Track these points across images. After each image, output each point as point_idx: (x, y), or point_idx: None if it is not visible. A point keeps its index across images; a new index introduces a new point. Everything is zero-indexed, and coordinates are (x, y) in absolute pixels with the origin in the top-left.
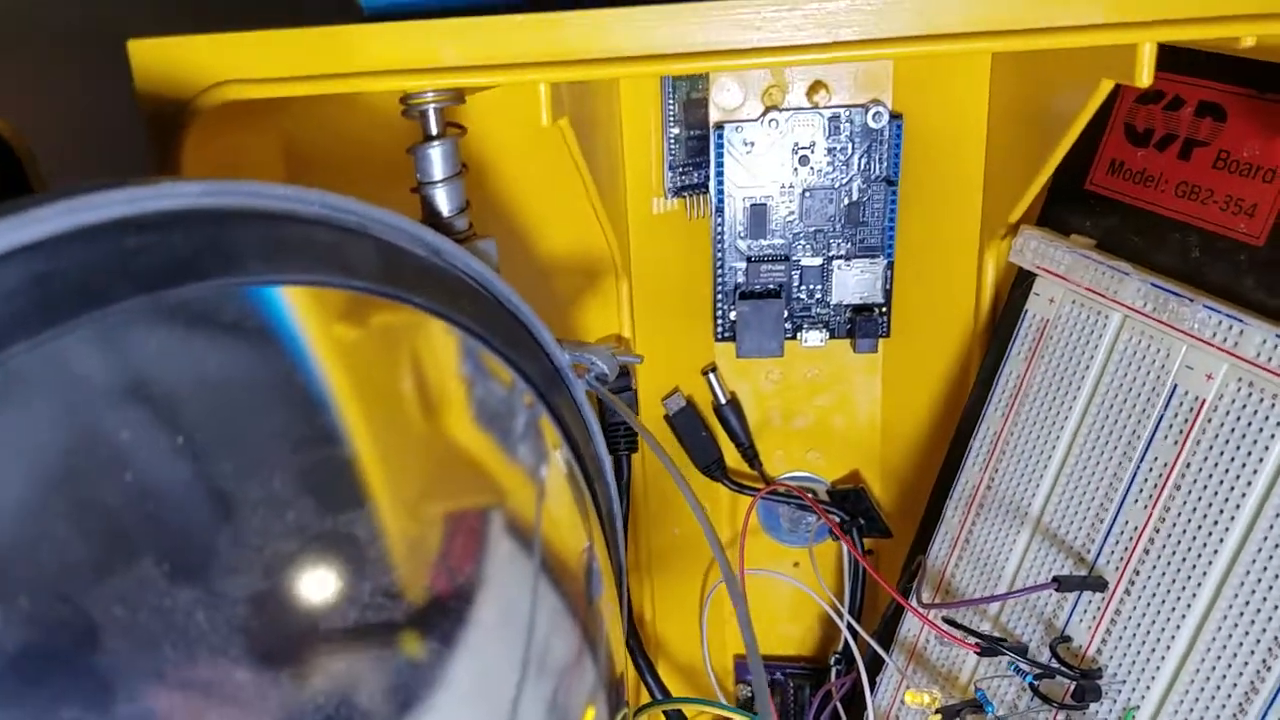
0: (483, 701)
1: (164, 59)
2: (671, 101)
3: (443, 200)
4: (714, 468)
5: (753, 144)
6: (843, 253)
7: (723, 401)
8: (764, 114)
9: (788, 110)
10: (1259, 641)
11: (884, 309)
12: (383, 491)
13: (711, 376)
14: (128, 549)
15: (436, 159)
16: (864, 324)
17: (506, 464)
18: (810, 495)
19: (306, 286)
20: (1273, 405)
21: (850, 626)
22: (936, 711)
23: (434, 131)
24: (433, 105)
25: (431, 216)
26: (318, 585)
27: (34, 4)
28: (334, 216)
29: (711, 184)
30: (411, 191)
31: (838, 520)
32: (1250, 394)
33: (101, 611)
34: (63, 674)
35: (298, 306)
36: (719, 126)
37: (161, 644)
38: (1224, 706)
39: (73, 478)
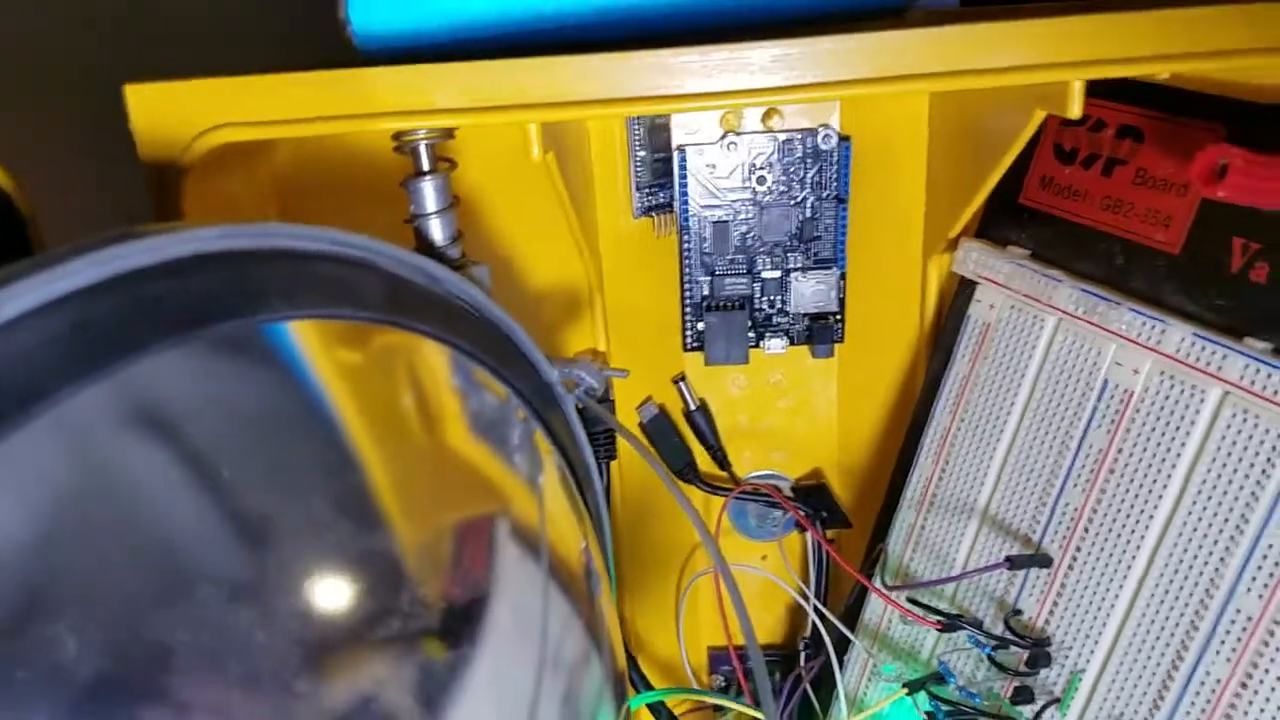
0: (504, 700)
1: (162, 103)
2: (637, 127)
3: (437, 231)
4: (687, 471)
5: (714, 165)
6: (799, 265)
7: (693, 408)
8: (723, 137)
9: (745, 134)
10: (1187, 605)
11: (838, 317)
12: (399, 510)
13: (682, 385)
14: (183, 577)
15: (429, 192)
16: (820, 331)
17: (507, 473)
18: (778, 491)
19: (322, 320)
20: (1192, 394)
21: (818, 610)
22: (904, 685)
23: (426, 166)
24: (424, 142)
25: (426, 246)
26: (352, 601)
27: (28, 48)
28: (342, 252)
29: (676, 203)
30: (405, 223)
31: (804, 513)
32: (1173, 385)
33: (165, 634)
34: (134, 697)
35: (311, 339)
36: (681, 149)
37: (225, 662)
38: (1159, 664)
39: (122, 512)
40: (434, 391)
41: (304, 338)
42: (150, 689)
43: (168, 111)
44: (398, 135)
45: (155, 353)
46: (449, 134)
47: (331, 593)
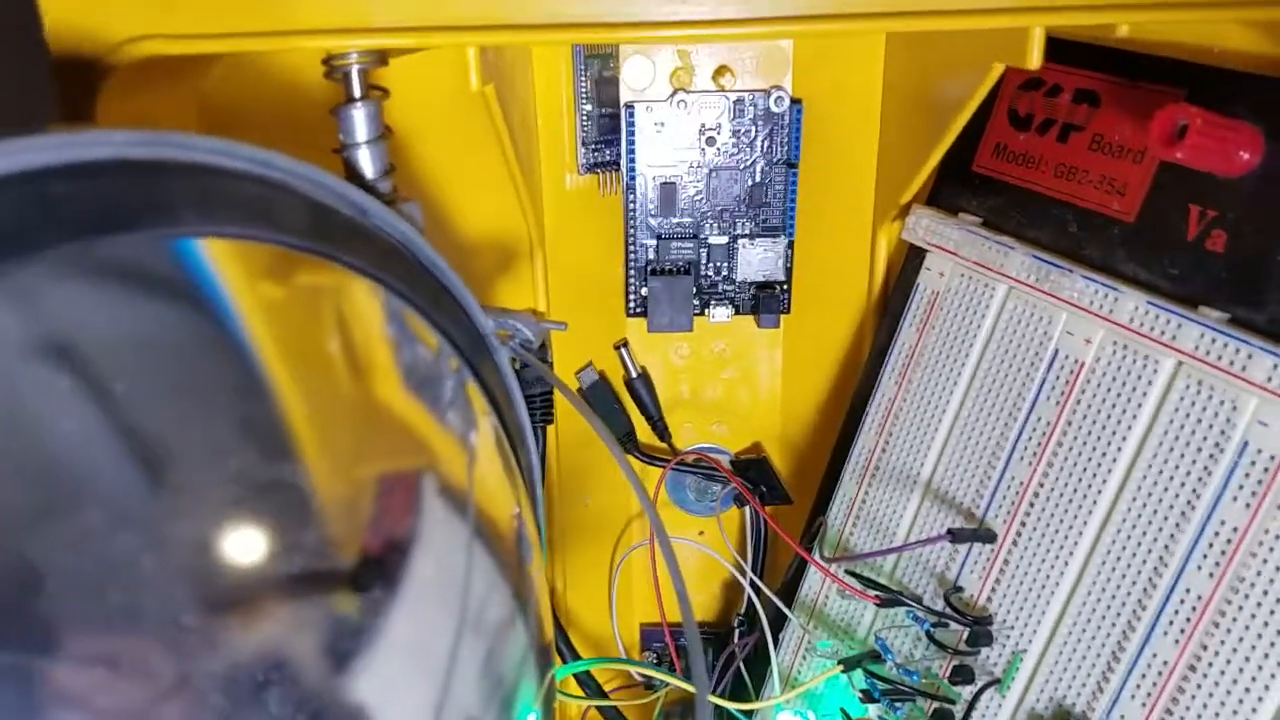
0: (419, 658)
1: (80, 10)
2: (584, 79)
3: (367, 162)
4: (626, 441)
5: (662, 124)
6: (747, 232)
7: (634, 375)
8: (672, 95)
9: (695, 93)
10: (1134, 585)
11: (785, 286)
12: (313, 445)
13: (623, 351)
14: (64, 498)
15: (360, 120)
16: (767, 301)
17: (435, 426)
18: (719, 462)
19: (237, 240)
20: (1144, 365)
21: (754, 586)
22: (839, 662)
23: (357, 93)
24: (356, 66)
25: (355, 179)
26: (252, 535)
27: None
28: (262, 171)
29: (623, 161)
30: (334, 152)
31: (746, 486)
32: (1125, 356)
33: (41, 558)
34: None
35: (227, 260)
36: (629, 106)
37: (102, 591)
38: (1104, 646)
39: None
40: (360, 333)
41: (219, 258)
42: (18, 614)
43: (87, 16)
44: (329, 59)
45: (53, 256)
46: (383, 59)
47: (229, 524)
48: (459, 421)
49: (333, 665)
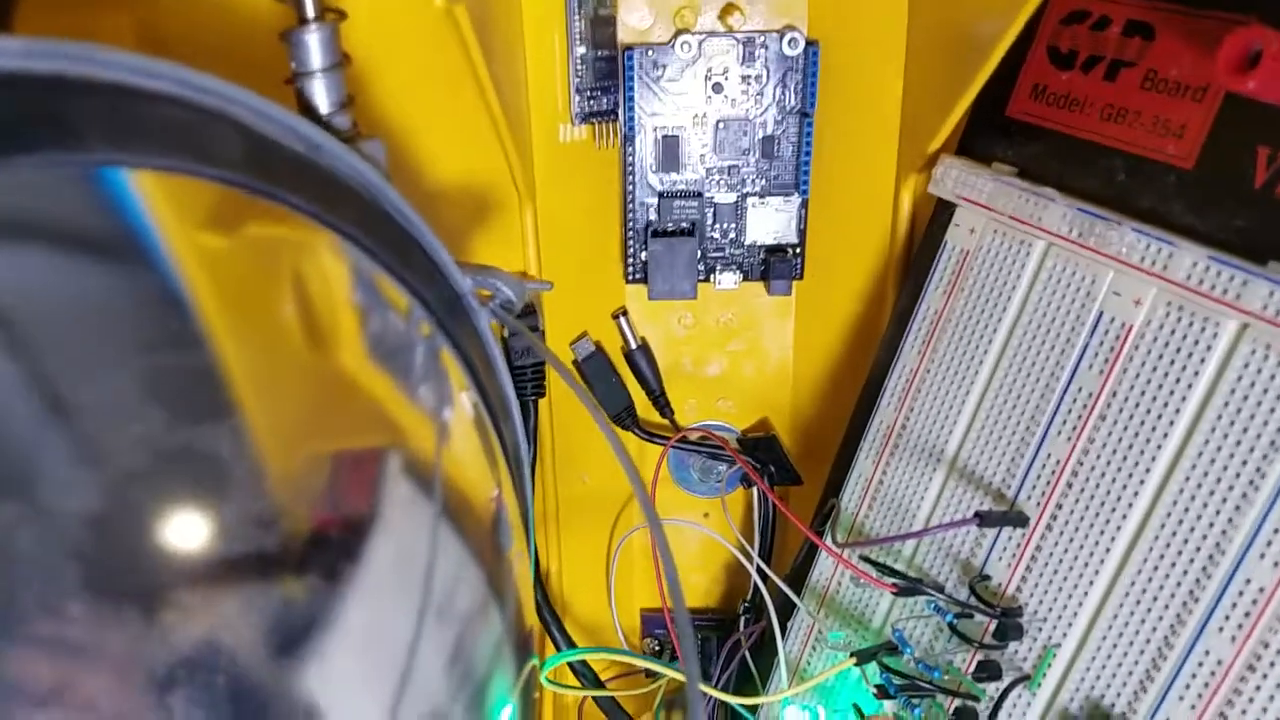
0: (375, 647)
1: None
2: (578, 18)
3: (321, 93)
4: (624, 416)
5: (664, 69)
6: (757, 189)
7: (633, 347)
8: (675, 37)
9: (700, 34)
10: (1184, 575)
11: (798, 249)
12: (250, 408)
13: (622, 320)
14: None
15: (314, 45)
16: (778, 265)
17: (401, 397)
18: (725, 440)
19: (156, 171)
20: (1203, 329)
21: (760, 571)
22: (852, 655)
23: (311, 14)
24: None
25: (308, 112)
26: (171, 506)
27: None
28: (191, 95)
29: (621, 111)
30: (285, 83)
31: (753, 465)
32: (1180, 318)
33: None
34: None
35: (147, 194)
36: (628, 49)
37: None
38: (1148, 641)
39: None
40: (314, 288)
41: (136, 191)
42: None
43: None
44: None
45: None
46: None
47: (135, 493)
48: (430, 393)
49: (275, 654)
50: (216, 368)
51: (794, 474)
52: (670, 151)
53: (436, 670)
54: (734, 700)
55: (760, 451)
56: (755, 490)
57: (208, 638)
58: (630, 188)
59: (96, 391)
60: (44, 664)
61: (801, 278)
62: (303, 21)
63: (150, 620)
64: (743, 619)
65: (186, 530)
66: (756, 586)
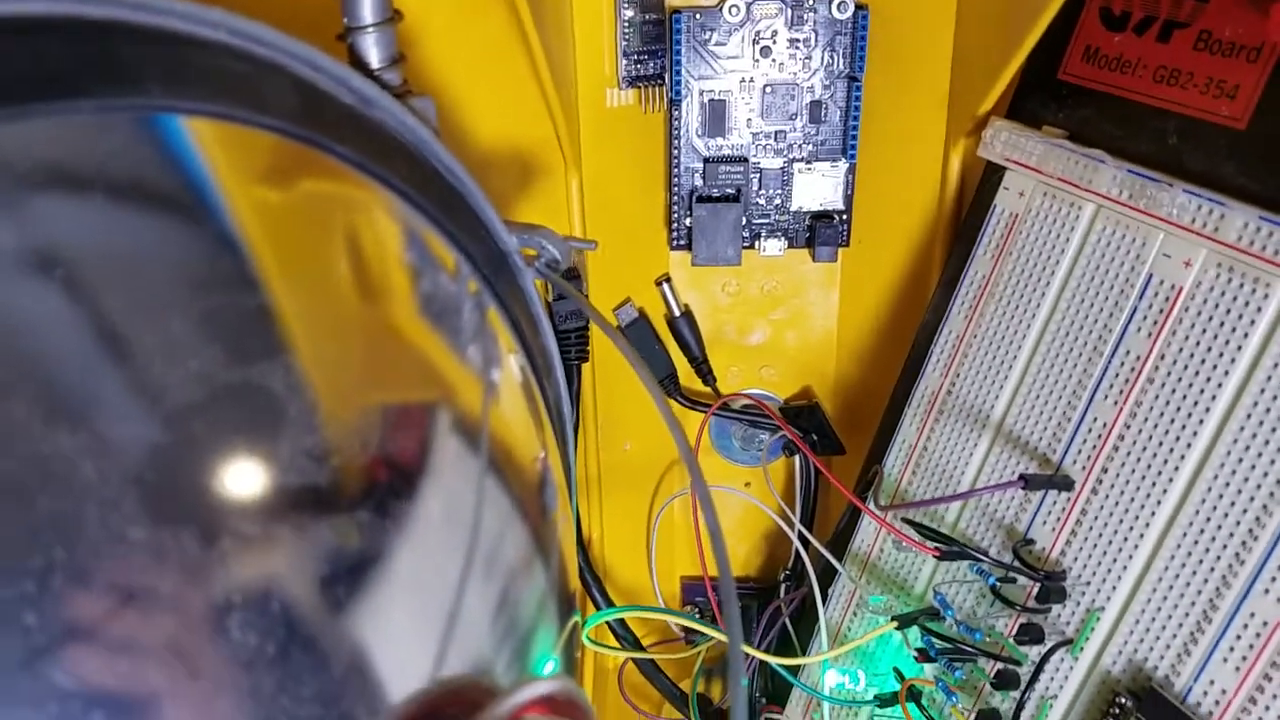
0: (423, 593)
1: None
2: None
3: (372, 48)
4: (667, 383)
5: (711, 32)
6: (804, 155)
7: (676, 314)
8: (723, 1)
9: None
10: (1230, 537)
11: (845, 216)
12: (304, 353)
13: (665, 287)
14: None
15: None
16: (824, 232)
17: (449, 352)
18: (768, 406)
19: (212, 119)
20: (1253, 290)
21: (802, 538)
22: (893, 619)
23: None
24: None
25: (359, 67)
26: (228, 438)
27: None
28: (246, 46)
29: (668, 75)
30: (337, 39)
31: (798, 433)
32: (1230, 279)
33: None
34: None
35: (202, 141)
36: (676, 12)
37: (37, 496)
38: (1192, 604)
39: None
40: (365, 240)
41: (193, 138)
42: None
43: None
44: None
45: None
46: None
47: (192, 427)
48: (478, 350)
49: (323, 592)
50: (271, 310)
51: (837, 443)
52: (716, 116)
53: (482, 621)
54: (774, 660)
55: (803, 420)
56: (797, 459)
57: (263, 567)
58: (675, 153)
59: (154, 329)
60: (105, 589)
61: (848, 245)
62: None
63: (208, 548)
64: (783, 586)
65: (243, 461)
66: (798, 553)
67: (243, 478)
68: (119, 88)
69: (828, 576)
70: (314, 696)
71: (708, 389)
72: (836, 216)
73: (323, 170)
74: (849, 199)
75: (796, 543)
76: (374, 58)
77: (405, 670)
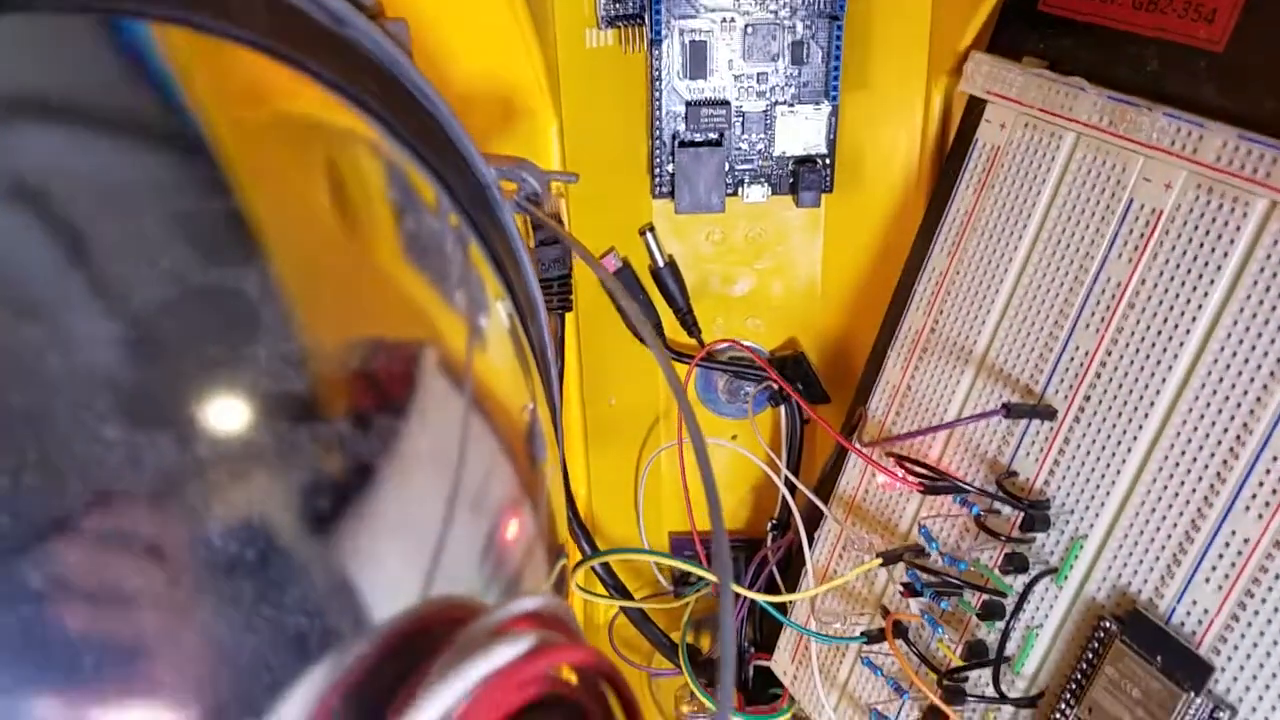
0: (408, 528)
1: None
2: None
3: None
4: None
5: None
6: (786, 98)
7: (660, 264)
8: None
9: None
10: (1212, 457)
11: (828, 160)
12: (280, 261)
13: (649, 236)
14: None
15: None
16: (807, 176)
17: (432, 287)
18: (756, 354)
19: (179, 25)
20: (1232, 210)
21: (789, 484)
22: (878, 555)
23: None
24: None
25: None
26: (201, 337)
27: None
28: None
29: (648, 14)
30: None
31: (786, 381)
32: (1209, 200)
33: None
34: None
35: (170, 49)
36: None
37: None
38: (1175, 526)
39: None
40: (345, 168)
41: (161, 44)
42: None
43: None
44: None
45: None
46: None
47: (160, 323)
48: (462, 285)
49: (306, 506)
50: (243, 217)
51: (822, 392)
52: (698, 57)
53: (469, 560)
54: (763, 599)
55: (788, 370)
56: (783, 409)
57: (243, 472)
58: (657, 95)
59: (120, 229)
60: (79, 490)
61: (831, 190)
62: None
63: (184, 450)
64: (770, 535)
65: (219, 362)
66: (785, 502)
67: (219, 379)
68: None
69: (814, 524)
70: (297, 606)
71: (693, 341)
72: (820, 160)
73: (295, 86)
74: (832, 143)
75: (784, 490)
76: None
77: (392, 594)
